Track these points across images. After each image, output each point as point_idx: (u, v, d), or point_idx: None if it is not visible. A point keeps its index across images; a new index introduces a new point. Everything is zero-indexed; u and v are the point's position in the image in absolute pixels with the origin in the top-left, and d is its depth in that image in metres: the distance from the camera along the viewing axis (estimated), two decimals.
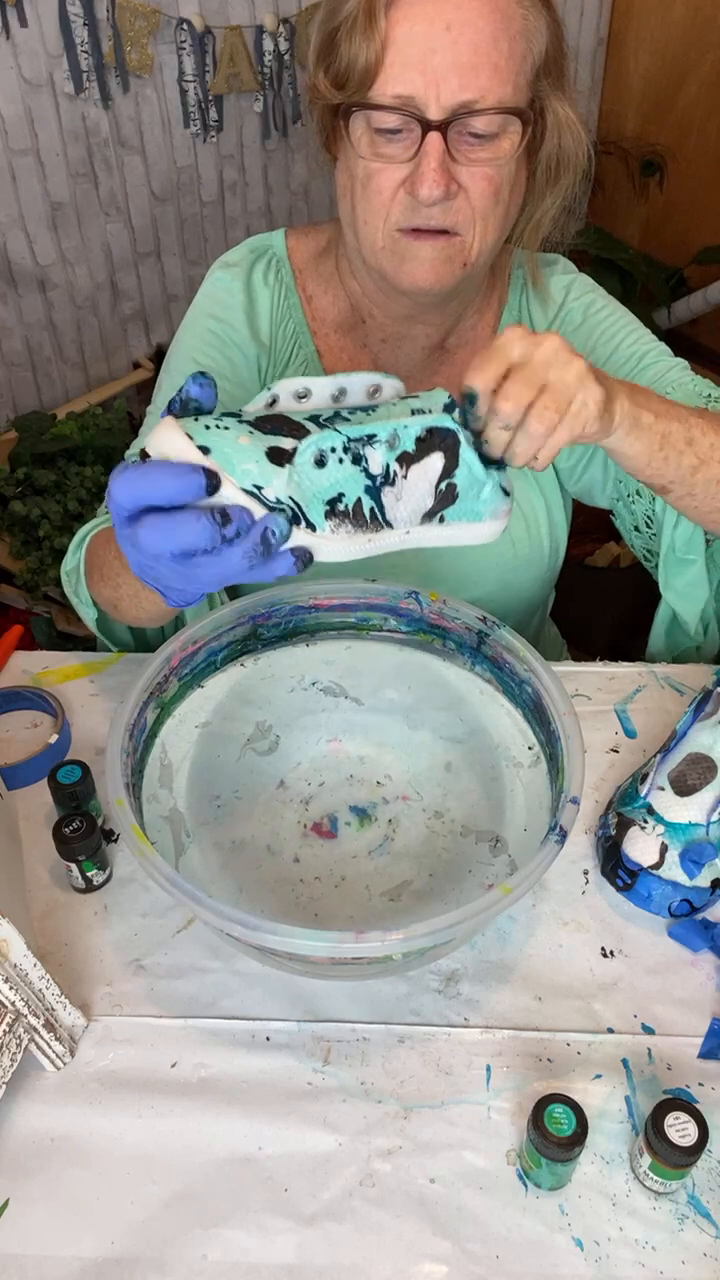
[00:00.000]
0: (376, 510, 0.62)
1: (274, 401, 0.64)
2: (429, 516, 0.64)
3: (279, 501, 0.59)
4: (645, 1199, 0.63)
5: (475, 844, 0.79)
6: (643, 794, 0.78)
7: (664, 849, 0.76)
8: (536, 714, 0.79)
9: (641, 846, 0.76)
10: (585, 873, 0.80)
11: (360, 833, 0.81)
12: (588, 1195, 0.63)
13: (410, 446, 0.62)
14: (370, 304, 0.92)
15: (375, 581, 0.87)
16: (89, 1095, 0.67)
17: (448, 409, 0.63)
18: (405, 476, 0.62)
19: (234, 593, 1.05)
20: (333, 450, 0.60)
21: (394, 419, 0.62)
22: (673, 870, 0.75)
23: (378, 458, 0.61)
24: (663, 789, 0.77)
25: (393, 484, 0.62)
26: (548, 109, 0.81)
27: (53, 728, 0.89)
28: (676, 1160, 0.60)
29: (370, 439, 0.61)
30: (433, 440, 0.62)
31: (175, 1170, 0.64)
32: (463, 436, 0.62)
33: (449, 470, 0.62)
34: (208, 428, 0.59)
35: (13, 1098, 0.67)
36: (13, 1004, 0.64)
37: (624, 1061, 0.69)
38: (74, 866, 0.77)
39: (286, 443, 0.60)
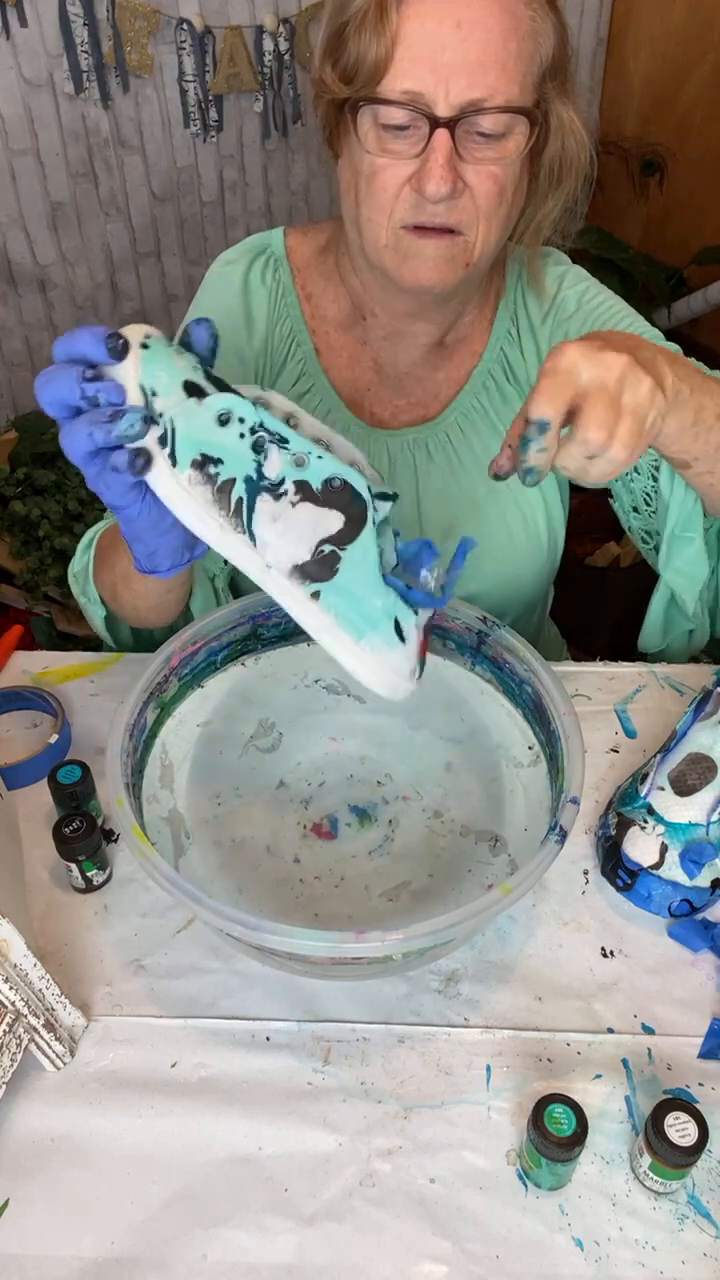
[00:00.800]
0: (244, 507, 0.59)
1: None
2: (300, 574, 0.60)
3: (160, 415, 0.59)
4: (645, 1199, 0.63)
5: (475, 844, 0.79)
6: (643, 794, 0.78)
7: (664, 849, 0.76)
8: (536, 714, 0.79)
9: (641, 846, 0.76)
10: (585, 873, 0.80)
11: (360, 833, 0.81)
12: (588, 1195, 0.63)
13: (317, 484, 0.60)
14: (371, 301, 0.92)
15: None
16: (89, 1095, 0.67)
17: (377, 497, 0.61)
18: (294, 505, 0.59)
19: (237, 592, 1.05)
20: (241, 420, 0.59)
21: (321, 450, 0.60)
22: (673, 870, 0.75)
23: (277, 463, 0.59)
24: (663, 789, 0.77)
25: (276, 499, 0.59)
26: (552, 112, 0.81)
27: (53, 728, 0.89)
28: (676, 1160, 0.60)
29: (282, 441, 0.59)
30: (342, 497, 0.60)
31: (175, 1170, 0.64)
32: (371, 516, 0.60)
33: (341, 539, 0.59)
34: (165, 347, 0.60)
35: (13, 1098, 0.67)
36: (13, 1004, 0.64)
37: (624, 1061, 0.69)
38: (74, 866, 0.77)
39: (210, 390, 0.60)
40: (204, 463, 0.59)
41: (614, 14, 2.40)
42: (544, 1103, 0.61)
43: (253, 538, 0.60)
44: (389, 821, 0.82)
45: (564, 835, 0.66)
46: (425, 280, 0.82)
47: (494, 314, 0.97)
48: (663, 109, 2.38)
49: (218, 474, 0.59)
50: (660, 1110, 0.61)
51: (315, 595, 0.60)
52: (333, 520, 0.60)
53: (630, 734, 0.91)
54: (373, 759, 0.86)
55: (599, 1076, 0.68)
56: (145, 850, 0.65)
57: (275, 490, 0.59)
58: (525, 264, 0.96)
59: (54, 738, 0.88)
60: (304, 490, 0.60)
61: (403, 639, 0.62)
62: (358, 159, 0.80)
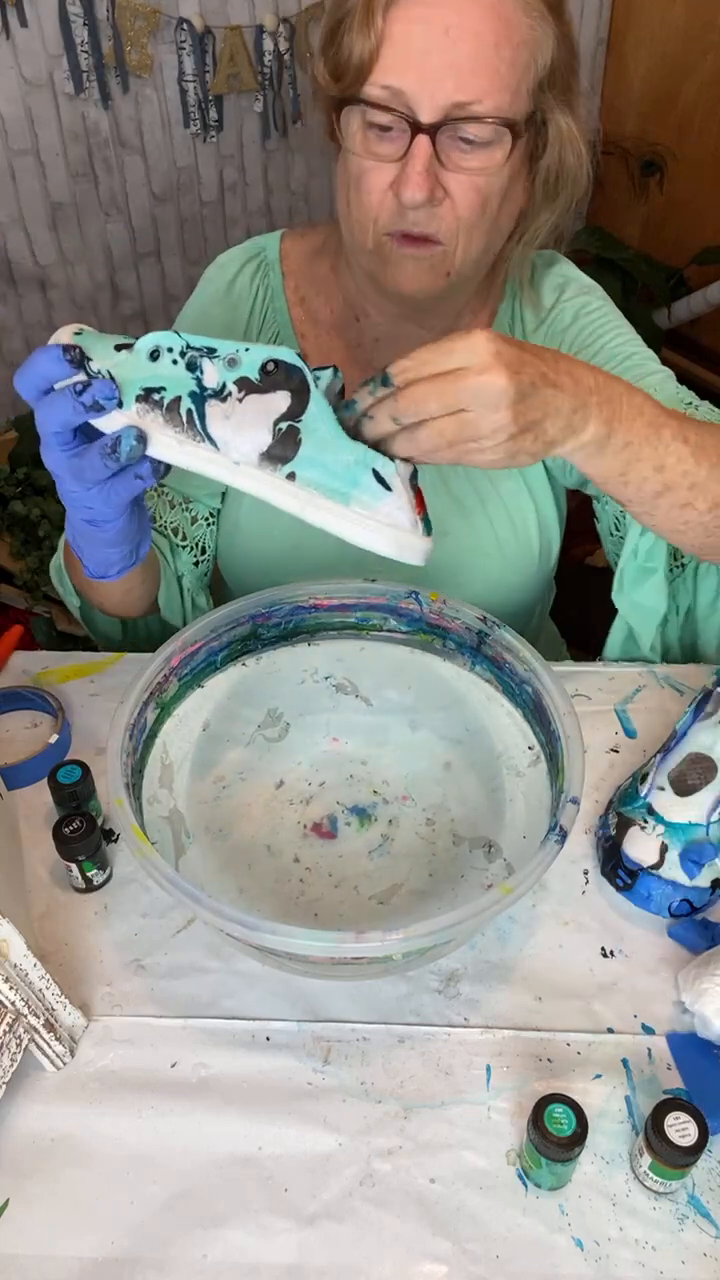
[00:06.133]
0: (195, 416, 0.63)
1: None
2: (270, 460, 0.63)
3: (98, 373, 0.64)
4: (645, 1199, 0.63)
5: (469, 851, 0.79)
6: (643, 794, 0.78)
7: (664, 849, 0.76)
8: (536, 714, 0.79)
9: (641, 846, 0.76)
10: (585, 873, 0.80)
11: (360, 833, 0.81)
12: (588, 1195, 0.63)
13: (254, 374, 0.63)
14: (365, 302, 0.92)
15: (375, 581, 0.87)
16: (89, 1095, 0.67)
17: (315, 370, 0.63)
18: (240, 400, 0.63)
19: (215, 592, 1.06)
20: (169, 350, 0.63)
21: (248, 345, 0.63)
22: (673, 870, 0.75)
23: (214, 372, 0.63)
24: (663, 789, 0.77)
25: (223, 400, 0.63)
26: (550, 121, 0.80)
27: (53, 728, 0.89)
28: (676, 1160, 0.60)
29: (210, 352, 0.63)
30: (279, 375, 0.62)
31: (175, 1170, 0.64)
32: (310, 379, 0.62)
33: (293, 413, 0.62)
34: (92, 332, 0.66)
35: (13, 1098, 0.67)
36: (13, 1004, 0.64)
37: (624, 1061, 0.69)
38: (74, 866, 0.77)
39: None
40: (147, 394, 0.63)
41: (614, 14, 2.40)
42: (544, 1103, 0.61)
43: (213, 442, 0.63)
44: (389, 821, 0.82)
45: (564, 835, 0.66)
46: (405, 288, 0.82)
47: (492, 318, 0.96)
48: (663, 109, 2.38)
49: (162, 398, 0.63)
50: (660, 1110, 0.61)
51: (291, 477, 0.63)
52: (280, 400, 0.62)
53: (630, 734, 0.90)
54: (373, 759, 0.86)
55: (599, 1076, 0.68)
56: (145, 850, 0.65)
57: (220, 395, 0.63)
58: (520, 276, 0.94)
59: (54, 738, 0.88)
60: (245, 385, 0.63)
61: (388, 487, 0.62)
62: (348, 160, 0.80)
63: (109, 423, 0.64)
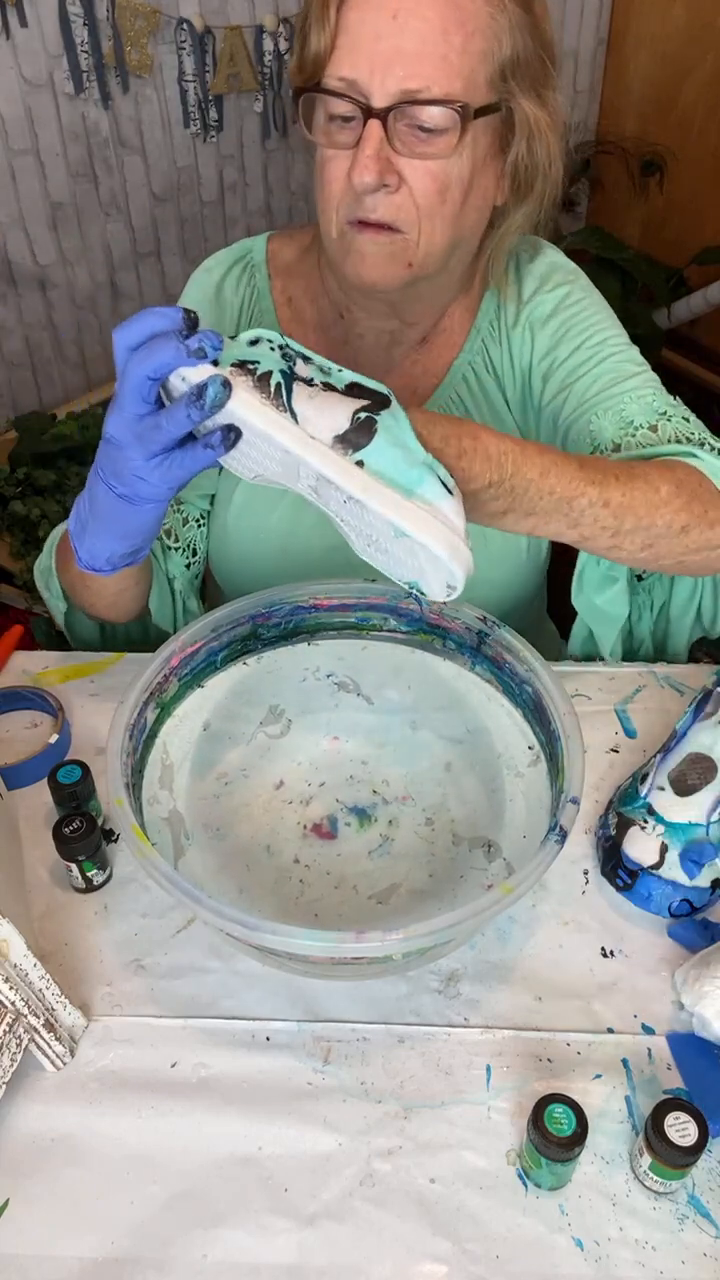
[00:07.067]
0: (283, 390, 0.65)
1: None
2: (343, 443, 0.64)
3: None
4: (645, 1199, 0.63)
5: (469, 851, 0.79)
6: (643, 794, 0.78)
7: (664, 849, 0.76)
8: (536, 714, 0.79)
9: (641, 846, 0.76)
10: (585, 873, 0.80)
11: (360, 833, 0.81)
12: (588, 1195, 0.63)
13: (340, 385, 0.65)
14: (346, 299, 0.92)
15: (375, 581, 0.87)
16: (89, 1095, 0.67)
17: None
18: (325, 392, 0.65)
19: (205, 596, 1.05)
20: (269, 342, 0.66)
21: (341, 367, 0.66)
22: (673, 870, 0.75)
23: (305, 371, 0.66)
24: (663, 789, 0.77)
25: (310, 385, 0.65)
26: (516, 112, 0.80)
27: (53, 728, 0.89)
28: (676, 1160, 0.60)
29: (308, 359, 0.66)
30: (366, 392, 0.65)
31: (175, 1170, 0.64)
32: (392, 396, 0.64)
33: (372, 409, 0.64)
34: None
35: (13, 1098, 0.67)
36: (13, 1004, 0.64)
37: (624, 1061, 0.69)
38: (74, 866, 0.77)
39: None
40: (242, 364, 0.65)
41: (614, 14, 2.41)
42: (544, 1103, 0.61)
43: (294, 414, 0.65)
44: (389, 822, 0.82)
45: (564, 835, 0.66)
46: (367, 277, 0.82)
47: (476, 305, 0.95)
48: (663, 109, 2.39)
49: (254, 369, 0.65)
50: (660, 1110, 0.61)
51: (359, 464, 0.64)
52: (360, 402, 0.65)
53: (630, 734, 0.90)
54: (373, 759, 0.86)
55: (599, 1076, 0.68)
56: (145, 850, 0.65)
57: (308, 383, 0.66)
58: (494, 271, 0.92)
59: (54, 738, 0.88)
60: (330, 389, 0.66)
61: (449, 490, 0.65)
62: (315, 151, 0.81)
63: (198, 374, 0.65)
